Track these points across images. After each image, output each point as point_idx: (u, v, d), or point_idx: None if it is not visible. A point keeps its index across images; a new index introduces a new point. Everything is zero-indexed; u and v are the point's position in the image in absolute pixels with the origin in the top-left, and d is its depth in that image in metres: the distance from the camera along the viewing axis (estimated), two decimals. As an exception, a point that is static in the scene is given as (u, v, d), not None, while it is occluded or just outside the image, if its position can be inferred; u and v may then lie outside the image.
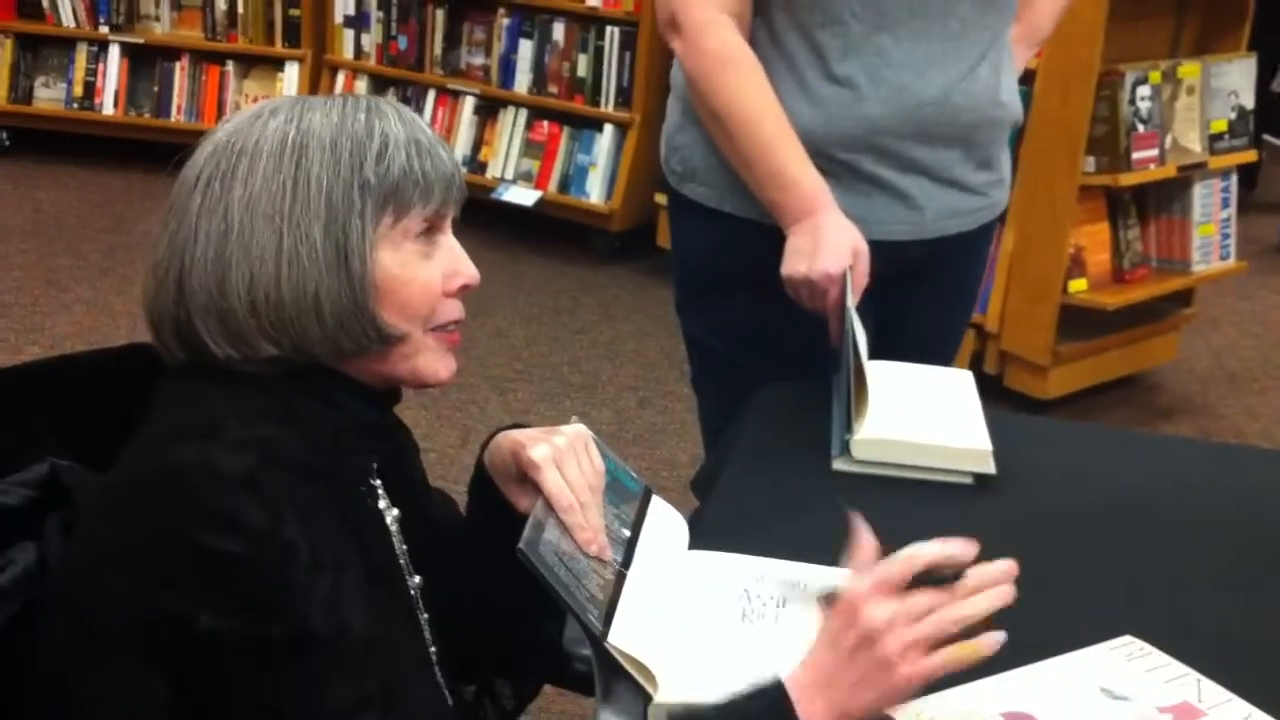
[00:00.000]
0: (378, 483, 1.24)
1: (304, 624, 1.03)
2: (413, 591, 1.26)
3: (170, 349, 1.19)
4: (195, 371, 1.18)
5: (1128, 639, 1.20)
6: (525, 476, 1.28)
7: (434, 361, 1.20)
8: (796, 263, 1.75)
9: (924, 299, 1.98)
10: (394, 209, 1.15)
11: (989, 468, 1.65)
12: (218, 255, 1.13)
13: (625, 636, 1.19)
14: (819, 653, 1.08)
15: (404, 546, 1.26)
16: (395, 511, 1.25)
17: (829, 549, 1.40)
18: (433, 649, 1.27)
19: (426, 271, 1.18)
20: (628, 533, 1.32)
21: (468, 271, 1.20)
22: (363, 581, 1.08)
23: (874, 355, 1.75)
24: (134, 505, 1.09)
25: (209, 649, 1.04)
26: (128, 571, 1.07)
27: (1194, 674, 1.16)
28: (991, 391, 3.58)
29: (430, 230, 1.18)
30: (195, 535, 1.04)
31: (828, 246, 1.73)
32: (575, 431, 1.30)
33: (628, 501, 1.36)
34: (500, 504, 1.30)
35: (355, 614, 1.06)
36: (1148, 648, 1.19)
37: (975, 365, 3.72)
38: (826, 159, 1.79)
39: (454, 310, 1.21)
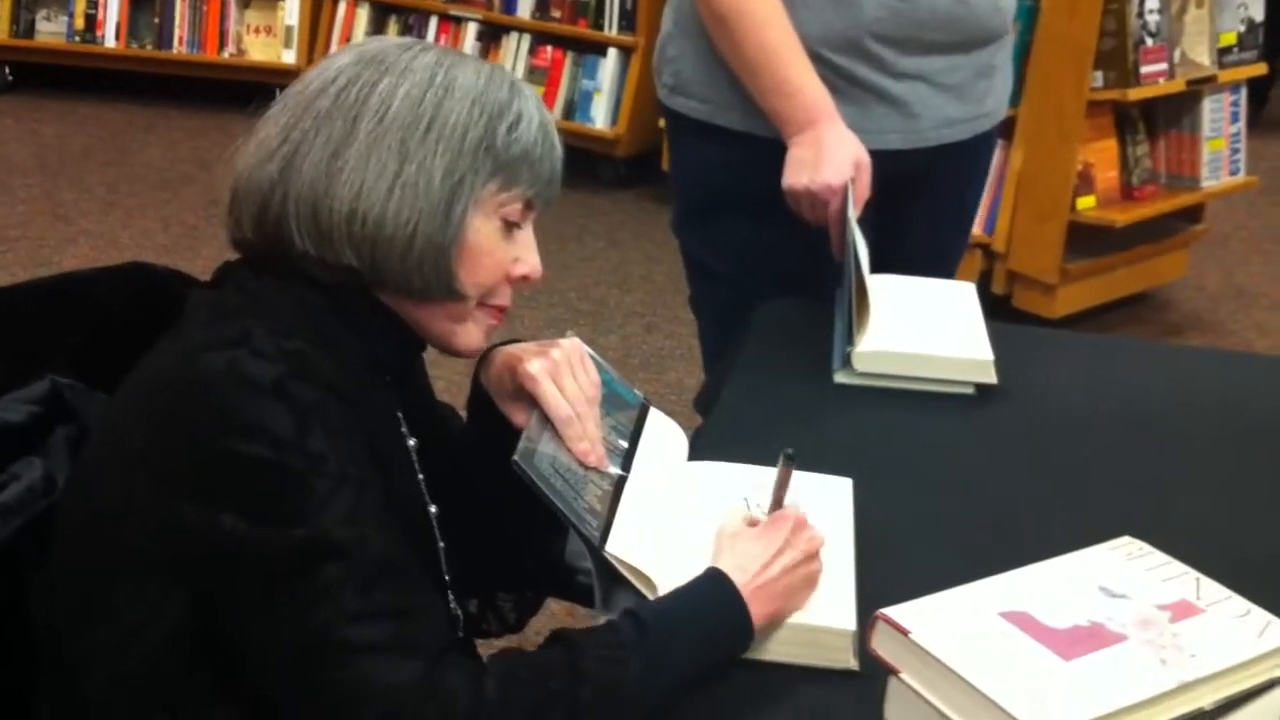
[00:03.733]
0: (399, 415, 1.26)
1: (324, 532, 1.04)
2: (432, 521, 1.27)
3: (241, 225, 1.20)
4: (241, 274, 1.19)
5: (1127, 540, 1.20)
6: (522, 391, 1.28)
7: (473, 333, 1.24)
8: (798, 174, 1.74)
9: (923, 211, 1.97)
10: (502, 180, 1.19)
11: (990, 378, 1.65)
12: (335, 154, 1.15)
13: (623, 545, 1.19)
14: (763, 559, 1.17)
15: (421, 476, 1.27)
16: (413, 441, 1.26)
17: (829, 459, 1.42)
18: (448, 577, 1.28)
19: (503, 249, 1.22)
20: (625, 444, 1.33)
21: (533, 263, 1.24)
22: (383, 504, 1.09)
23: (874, 268, 1.74)
24: (160, 412, 1.10)
25: (228, 554, 1.05)
26: (152, 477, 1.08)
27: (1193, 572, 1.16)
28: (999, 312, 3.58)
29: (521, 215, 1.22)
30: (222, 440, 1.05)
31: (830, 158, 1.72)
32: (571, 344, 1.30)
33: (625, 413, 1.36)
34: (498, 420, 1.31)
35: (374, 531, 1.07)
36: (1147, 548, 1.19)
37: (983, 285, 3.71)
38: (822, 64, 1.77)
39: (506, 296, 1.25)
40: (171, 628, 1.09)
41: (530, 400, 1.27)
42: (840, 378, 1.66)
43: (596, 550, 1.18)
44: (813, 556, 1.20)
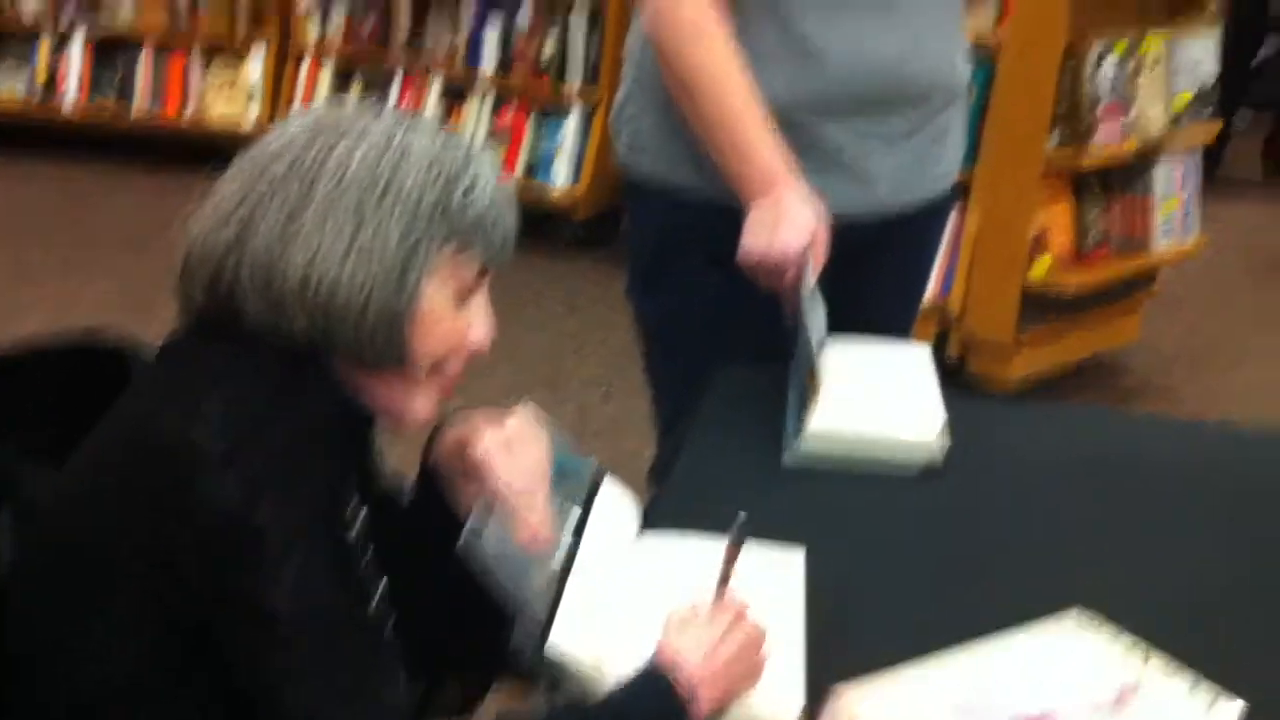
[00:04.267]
0: (349, 486, 1.24)
1: (272, 603, 1.05)
2: (380, 594, 1.26)
3: (192, 292, 1.18)
4: (191, 341, 1.19)
5: (1077, 612, 1.21)
6: (472, 470, 1.27)
7: (424, 403, 1.22)
8: (757, 236, 1.73)
9: (880, 274, 1.97)
10: (458, 244, 1.18)
11: (935, 460, 1.64)
12: (291, 217, 1.14)
13: (568, 636, 1.19)
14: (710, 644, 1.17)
15: (372, 546, 1.25)
16: (364, 511, 1.25)
17: (783, 529, 1.41)
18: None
19: (457, 318, 1.20)
20: (576, 515, 1.32)
21: (485, 332, 1.23)
22: (334, 565, 1.09)
23: (831, 330, 1.74)
24: (112, 479, 1.11)
25: (189, 614, 1.08)
26: (112, 539, 1.10)
27: (1143, 644, 1.17)
28: (954, 376, 3.58)
29: (474, 282, 1.21)
30: (171, 511, 1.06)
31: (789, 222, 1.72)
32: (524, 415, 1.29)
33: (577, 484, 1.36)
34: (446, 499, 1.30)
35: (325, 596, 1.07)
36: (1096, 620, 1.20)
37: (938, 350, 3.72)
38: (783, 126, 1.76)
39: (458, 365, 1.23)
40: (151, 647, 1.11)
41: (480, 479, 1.27)
42: (789, 461, 1.65)
43: (543, 638, 1.17)
44: (757, 646, 1.19)
